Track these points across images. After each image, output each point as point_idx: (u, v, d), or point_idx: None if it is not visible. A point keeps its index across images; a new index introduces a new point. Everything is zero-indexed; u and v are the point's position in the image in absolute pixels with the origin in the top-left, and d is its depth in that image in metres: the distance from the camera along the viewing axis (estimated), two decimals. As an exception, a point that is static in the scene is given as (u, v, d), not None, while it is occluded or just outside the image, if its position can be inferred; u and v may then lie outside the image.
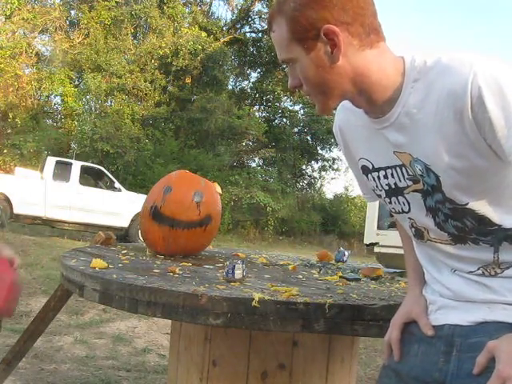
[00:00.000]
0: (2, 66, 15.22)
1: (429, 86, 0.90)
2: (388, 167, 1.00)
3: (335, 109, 1.10)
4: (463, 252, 0.97)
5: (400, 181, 0.99)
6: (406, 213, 1.02)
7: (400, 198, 1.01)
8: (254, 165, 20.62)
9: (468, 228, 0.95)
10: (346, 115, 1.10)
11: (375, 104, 0.96)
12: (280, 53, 1.00)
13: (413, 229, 1.03)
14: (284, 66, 21.13)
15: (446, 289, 1.00)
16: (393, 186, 1.01)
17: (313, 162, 21.86)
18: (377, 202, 4.77)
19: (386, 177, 1.02)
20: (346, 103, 1.09)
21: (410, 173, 0.96)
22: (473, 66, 0.85)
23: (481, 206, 0.93)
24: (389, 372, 1.06)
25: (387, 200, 1.05)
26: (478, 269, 0.97)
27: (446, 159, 0.89)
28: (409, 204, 1.00)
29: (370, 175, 1.06)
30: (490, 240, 0.95)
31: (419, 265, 1.11)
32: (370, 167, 1.05)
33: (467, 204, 0.93)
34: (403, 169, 0.97)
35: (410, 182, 0.97)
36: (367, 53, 0.93)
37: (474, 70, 0.84)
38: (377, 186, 1.05)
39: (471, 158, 0.88)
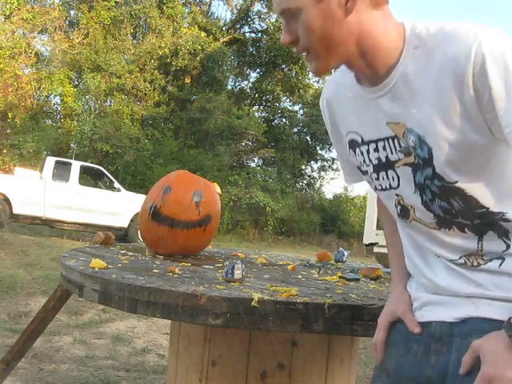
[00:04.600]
0: (2, 66, 15.22)
1: (429, 53, 0.88)
2: (379, 140, 0.97)
3: (330, 73, 1.06)
4: (447, 238, 0.95)
5: (392, 153, 0.96)
6: (394, 189, 0.99)
7: (390, 172, 0.98)
8: (253, 165, 20.63)
9: (455, 210, 0.93)
10: (335, 88, 1.07)
11: (374, 68, 0.93)
12: (282, 2, 0.93)
13: (399, 207, 1.00)
14: (283, 67, 21.14)
15: (430, 281, 0.98)
16: (383, 160, 0.98)
17: (312, 162, 21.88)
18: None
19: (376, 150, 0.98)
20: (334, 76, 1.08)
21: (403, 145, 0.93)
22: (478, 35, 0.83)
23: (470, 186, 0.90)
24: (381, 373, 1.06)
25: (374, 176, 1.01)
26: (460, 257, 0.95)
27: (441, 130, 0.87)
28: (398, 179, 0.97)
29: (358, 149, 1.03)
30: (476, 226, 0.93)
31: (402, 259, 1.09)
32: (359, 141, 1.02)
33: (456, 182, 0.91)
34: (395, 141, 0.94)
35: (401, 155, 0.94)
36: (374, 13, 0.91)
37: (480, 38, 0.82)
38: (364, 161, 1.02)
39: (466, 132, 0.86)
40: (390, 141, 0.95)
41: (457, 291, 0.95)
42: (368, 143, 1.00)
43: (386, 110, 0.94)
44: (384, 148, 0.97)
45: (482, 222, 0.92)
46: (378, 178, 1.01)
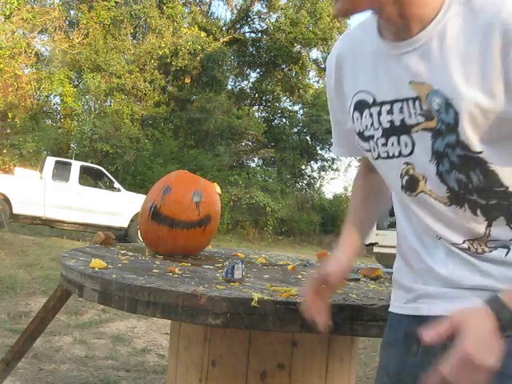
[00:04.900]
0: (2, 66, 15.22)
1: (473, 11, 0.81)
2: (396, 101, 0.89)
3: (349, 17, 0.96)
4: (455, 216, 0.88)
5: (410, 117, 0.87)
6: (405, 156, 0.90)
7: (403, 137, 0.89)
8: (253, 165, 20.65)
9: (472, 185, 0.85)
10: (350, 44, 1.00)
11: (407, 20, 0.85)
12: None
13: (405, 177, 0.91)
14: (283, 67, 21.15)
15: (429, 268, 0.92)
16: (397, 124, 0.89)
17: (312, 162, 21.90)
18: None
19: (390, 112, 0.90)
20: (350, 32, 1.01)
21: (424, 107, 0.85)
22: None
23: (494, 159, 0.83)
24: (382, 374, 1.05)
25: (381, 141, 0.92)
26: (464, 242, 0.89)
27: (474, 94, 0.80)
28: (413, 145, 0.88)
29: (366, 111, 0.94)
30: (489, 208, 0.86)
31: (366, 209, 1.08)
32: (370, 101, 0.93)
33: (480, 153, 0.83)
34: (416, 102, 0.86)
35: (421, 119, 0.86)
36: None
37: None
38: (372, 125, 0.93)
39: (502, 100, 0.80)
40: (410, 102, 0.87)
41: (459, 281, 0.89)
42: (381, 104, 0.92)
43: (411, 68, 0.86)
44: (401, 110, 0.89)
45: (497, 203, 0.86)
46: (385, 144, 0.92)
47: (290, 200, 17.74)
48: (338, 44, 1.04)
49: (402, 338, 0.99)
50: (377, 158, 0.96)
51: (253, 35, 21.67)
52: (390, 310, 1.05)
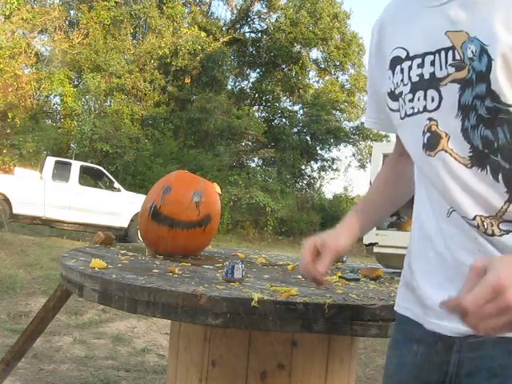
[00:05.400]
0: (2, 66, 15.22)
1: None
2: (428, 53, 0.87)
3: None
4: (473, 181, 0.83)
5: (440, 69, 0.85)
6: (430, 111, 0.87)
7: (430, 91, 0.87)
8: (253, 165, 20.66)
9: (497, 143, 0.81)
10: (393, 6, 1.01)
11: None
12: None
13: (427, 134, 0.88)
14: (283, 67, 21.15)
15: (439, 256, 0.88)
16: (426, 77, 0.87)
17: (312, 162, 21.91)
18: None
19: (420, 65, 0.88)
20: None
21: (457, 57, 0.83)
22: None
23: None
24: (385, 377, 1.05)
25: (409, 97, 0.90)
26: (475, 218, 0.84)
27: (511, 39, 0.77)
28: (440, 100, 0.86)
29: (398, 67, 0.92)
30: None
31: (381, 193, 1.08)
32: (404, 56, 0.91)
33: (511, 106, 0.79)
34: (449, 52, 0.84)
35: (451, 70, 0.84)
36: None
37: None
38: (402, 80, 0.91)
39: None
40: (443, 53, 0.85)
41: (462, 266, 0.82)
42: (413, 58, 0.90)
43: (450, 17, 0.85)
44: (432, 63, 0.87)
45: None
46: (412, 100, 0.90)
47: (289, 200, 17.74)
48: (386, 7, 1.04)
49: (404, 339, 0.99)
50: (403, 118, 0.93)
51: (253, 35, 21.69)
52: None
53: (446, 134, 0.85)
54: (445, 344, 0.92)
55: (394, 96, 0.94)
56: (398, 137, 1.08)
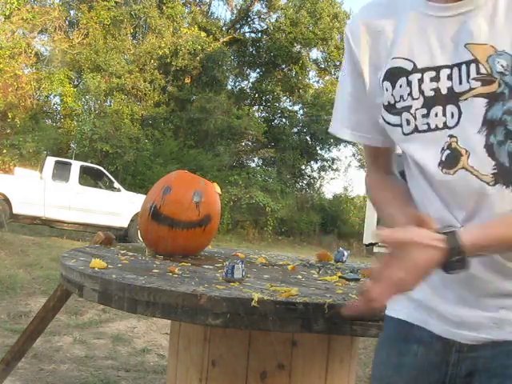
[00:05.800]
0: (2, 66, 15.22)
1: None
2: (444, 66, 0.82)
3: None
4: (497, 199, 0.79)
5: (460, 83, 0.81)
6: (450, 128, 0.82)
7: (449, 107, 0.82)
8: (253, 165, 20.64)
9: None
10: (385, 11, 0.92)
11: None
12: None
13: (446, 151, 0.82)
14: (283, 67, 21.15)
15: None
16: (443, 92, 0.82)
17: (312, 162, 21.89)
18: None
19: (434, 79, 0.83)
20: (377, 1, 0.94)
21: (483, 71, 0.78)
22: None
23: None
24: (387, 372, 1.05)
25: (422, 112, 0.84)
26: None
27: None
28: (459, 115, 0.81)
29: (402, 79, 0.86)
30: None
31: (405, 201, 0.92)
32: (410, 68, 0.85)
33: None
34: (472, 66, 0.79)
35: (476, 84, 0.79)
36: None
37: None
38: (409, 94, 0.85)
39: None
40: (464, 67, 0.80)
41: (481, 286, 0.83)
42: (423, 70, 0.84)
43: (469, 29, 0.80)
44: (449, 77, 0.82)
45: None
46: (427, 115, 0.84)
47: (289, 200, 17.73)
48: (365, 11, 0.96)
49: (403, 339, 0.99)
50: (410, 133, 0.87)
51: (253, 35, 21.68)
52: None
53: (466, 151, 0.81)
54: (445, 344, 0.92)
55: (393, 109, 0.88)
56: (381, 154, 1.01)
